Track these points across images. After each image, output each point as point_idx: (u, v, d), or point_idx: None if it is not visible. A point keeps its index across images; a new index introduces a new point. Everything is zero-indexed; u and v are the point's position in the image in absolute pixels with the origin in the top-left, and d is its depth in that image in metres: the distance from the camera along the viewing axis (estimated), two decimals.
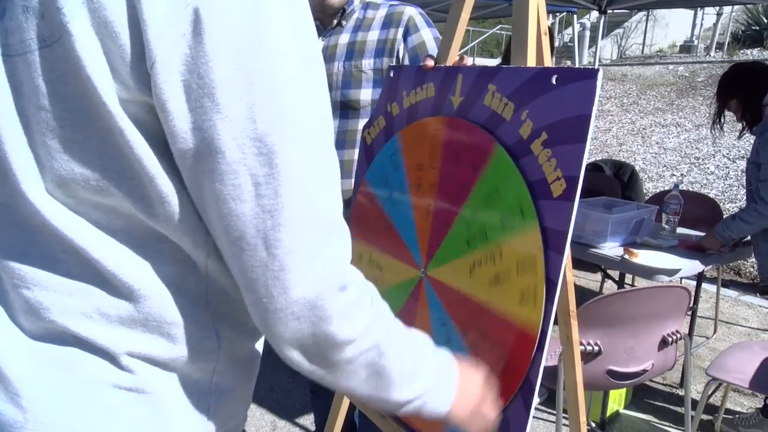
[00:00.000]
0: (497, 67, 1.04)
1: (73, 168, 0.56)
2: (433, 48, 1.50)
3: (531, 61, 1.02)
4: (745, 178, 2.69)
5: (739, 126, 2.71)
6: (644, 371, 1.95)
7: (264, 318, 0.59)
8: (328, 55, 1.56)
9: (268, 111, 0.54)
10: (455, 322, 1.07)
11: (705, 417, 2.64)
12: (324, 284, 0.59)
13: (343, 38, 1.55)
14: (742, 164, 6.36)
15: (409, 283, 1.19)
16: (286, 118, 0.55)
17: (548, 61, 1.08)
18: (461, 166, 1.08)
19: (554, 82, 0.93)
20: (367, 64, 1.53)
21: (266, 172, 0.55)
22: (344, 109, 1.55)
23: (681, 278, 2.90)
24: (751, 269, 4.55)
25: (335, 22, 1.56)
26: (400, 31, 1.52)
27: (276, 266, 0.57)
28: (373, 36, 1.53)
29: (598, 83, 0.88)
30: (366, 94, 1.54)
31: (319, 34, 1.57)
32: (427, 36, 1.52)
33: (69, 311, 0.59)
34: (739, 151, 6.65)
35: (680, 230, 2.85)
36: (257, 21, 0.53)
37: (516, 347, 0.95)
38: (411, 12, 1.54)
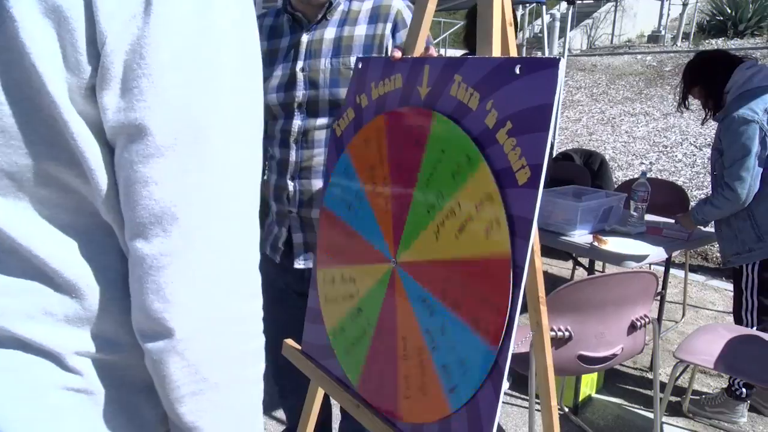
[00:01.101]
0: (463, 58, 1.05)
1: (17, 161, 0.55)
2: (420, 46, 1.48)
3: (496, 51, 1.03)
4: (710, 164, 2.76)
5: (704, 114, 2.77)
6: (614, 355, 1.99)
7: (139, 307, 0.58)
8: (314, 50, 1.51)
9: (206, 101, 0.54)
10: (434, 293, 1.07)
11: (674, 399, 2.71)
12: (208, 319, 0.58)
13: (329, 33, 1.51)
14: (709, 152, 6.49)
15: (383, 280, 1.19)
16: (222, 112, 0.55)
17: (513, 51, 1.09)
18: (407, 147, 1.12)
19: (518, 71, 0.94)
20: (354, 61, 1.51)
21: (196, 162, 0.54)
22: (333, 107, 1.52)
23: (650, 264, 2.96)
24: (718, 254, 4.66)
25: (320, 15, 1.51)
26: (389, 26, 1.49)
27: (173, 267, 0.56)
28: (360, 31, 1.50)
29: (560, 72, 0.90)
30: None
31: (303, 28, 1.53)
32: None
33: (10, 313, 0.58)
34: (706, 139, 6.79)
35: (649, 217, 2.91)
36: (205, 12, 0.54)
37: (485, 332, 0.96)
38: (399, 5, 1.50)
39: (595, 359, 1.97)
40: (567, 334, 1.90)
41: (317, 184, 1.56)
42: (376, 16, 1.50)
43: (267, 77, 1.56)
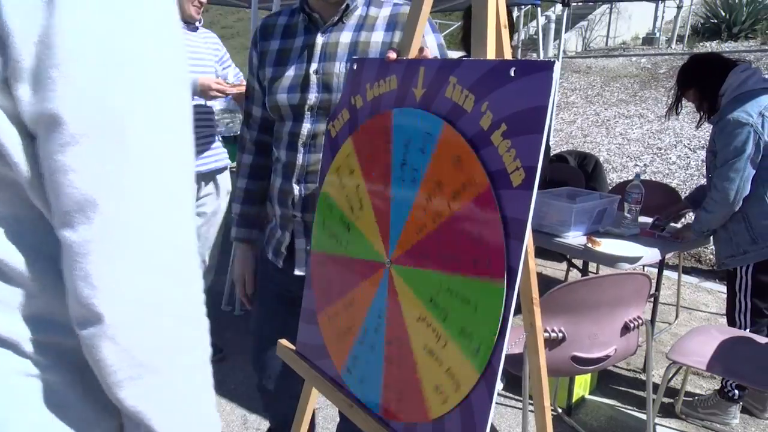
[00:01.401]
0: (458, 60, 1.06)
1: None
2: (434, 55, 1.44)
3: (491, 54, 1.03)
4: (705, 167, 2.77)
5: (698, 116, 2.79)
6: (607, 357, 2.00)
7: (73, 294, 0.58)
8: (329, 53, 1.48)
9: (122, 89, 0.55)
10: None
11: (666, 400, 2.72)
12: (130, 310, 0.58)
13: (345, 36, 1.48)
14: (703, 154, 6.52)
15: (381, 287, 1.19)
16: (141, 99, 0.56)
17: (508, 54, 1.10)
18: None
19: (512, 74, 0.95)
20: None
21: (114, 149, 0.55)
22: None
23: (644, 266, 2.97)
24: (711, 256, 4.68)
25: (336, 17, 1.48)
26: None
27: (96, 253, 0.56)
28: (377, 38, 1.46)
29: (555, 75, 0.90)
30: None
31: (318, 29, 1.50)
32: (431, 43, 1.47)
33: None
34: (700, 142, 6.82)
35: (642, 219, 2.93)
36: (115, 1, 0.55)
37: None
38: None
39: (588, 360, 1.97)
40: (561, 335, 1.91)
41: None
42: (394, 23, 1.47)
43: (278, 77, 1.53)
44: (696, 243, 2.80)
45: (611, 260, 2.42)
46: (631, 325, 2.01)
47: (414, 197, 1.09)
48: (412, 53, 1.22)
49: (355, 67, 1.30)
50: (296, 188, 1.55)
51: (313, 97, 1.50)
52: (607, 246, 2.50)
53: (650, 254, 2.51)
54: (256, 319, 1.82)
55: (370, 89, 1.25)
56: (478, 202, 0.97)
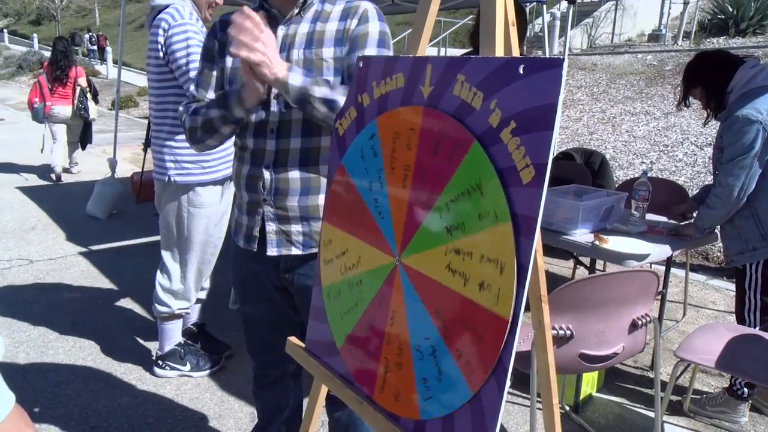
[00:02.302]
0: (466, 57, 1.06)
1: None
2: (374, 40, 1.55)
3: (499, 51, 1.03)
4: (711, 164, 2.76)
5: (705, 113, 2.78)
6: (615, 354, 1.99)
7: None
8: (288, 43, 1.58)
9: None
10: (428, 307, 1.09)
11: (674, 398, 2.72)
12: None
13: (303, 27, 1.58)
14: (709, 151, 6.50)
15: (383, 270, 1.20)
16: None
17: (516, 51, 1.09)
18: (439, 156, 1.10)
19: (521, 71, 0.95)
20: (328, 52, 1.55)
21: None
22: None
23: (651, 263, 2.96)
24: (719, 254, 4.67)
25: (295, 11, 1.58)
26: (355, 21, 1.56)
27: None
28: (331, 26, 1.57)
29: (563, 72, 0.90)
30: None
31: (279, 23, 1.59)
32: (373, 28, 1.56)
33: None
34: (706, 139, 6.79)
35: (650, 216, 2.92)
36: None
37: (488, 331, 0.97)
38: (366, 5, 1.59)
39: (596, 358, 1.97)
40: (568, 332, 1.91)
41: (293, 174, 1.58)
42: (347, 14, 1.58)
43: (240, 66, 1.53)
44: (703, 240, 2.79)
45: (619, 258, 2.42)
46: (639, 322, 2.00)
47: (448, 241, 1.06)
48: (420, 51, 1.22)
49: (361, 65, 1.30)
50: (266, 173, 1.60)
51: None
52: (615, 243, 2.50)
53: (658, 251, 2.50)
54: (246, 315, 1.87)
55: (377, 87, 1.26)
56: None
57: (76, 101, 6.74)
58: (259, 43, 1.38)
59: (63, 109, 6.78)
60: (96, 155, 8.66)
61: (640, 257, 2.39)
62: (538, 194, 0.91)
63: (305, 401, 1.60)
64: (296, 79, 1.45)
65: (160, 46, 2.46)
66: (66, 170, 7.34)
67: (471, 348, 1.00)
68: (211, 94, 1.68)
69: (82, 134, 7.08)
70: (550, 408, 1.26)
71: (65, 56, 6.74)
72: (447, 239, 1.06)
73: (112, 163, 5.47)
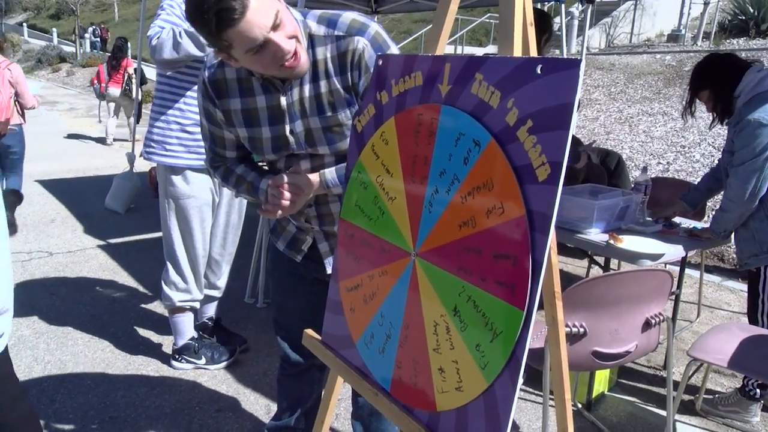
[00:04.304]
0: (484, 57, 1.08)
1: None
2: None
3: (517, 51, 1.05)
4: (721, 168, 2.75)
5: (689, 118, 2.76)
6: (628, 352, 2.01)
7: None
8: (296, 112, 1.52)
9: None
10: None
11: (687, 397, 2.72)
12: None
13: (306, 90, 1.50)
14: (714, 151, 6.45)
15: (400, 264, 1.23)
16: None
17: (533, 51, 1.11)
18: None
19: (539, 71, 0.97)
20: (343, 116, 1.52)
21: None
22: (339, 158, 1.59)
23: (665, 264, 2.96)
24: (734, 255, 4.64)
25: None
26: (356, 74, 1.49)
27: None
28: (335, 85, 1.49)
29: (581, 73, 0.92)
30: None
31: (276, 87, 1.51)
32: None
33: None
34: (724, 140, 6.73)
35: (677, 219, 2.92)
36: None
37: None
38: (360, 46, 1.47)
39: (609, 355, 1.99)
40: (581, 330, 1.92)
41: (335, 207, 1.62)
42: (344, 65, 1.48)
43: (255, 137, 1.58)
44: (717, 242, 2.78)
45: (633, 257, 2.43)
46: (652, 321, 2.01)
47: (449, 200, 1.11)
48: (439, 50, 1.24)
49: (380, 63, 1.33)
50: (308, 210, 1.63)
51: (299, 152, 1.56)
52: (629, 243, 2.50)
53: (673, 252, 2.51)
54: (278, 304, 1.90)
55: (395, 85, 1.28)
56: (513, 227, 0.98)
57: (123, 84, 8.85)
58: (283, 200, 1.49)
59: (114, 90, 8.93)
60: (115, 150, 8.78)
61: (655, 257, 2.40)
62: (553, 192, 0.93)
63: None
64: (335, 189, 1.54)
65: None
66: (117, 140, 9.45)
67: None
68: (231, 153, 1.67)
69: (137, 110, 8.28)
70: (562, 404, 1.28)
71: (120, 50, 8.92)
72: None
73: (131, 158, 5.54)
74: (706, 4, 11.08)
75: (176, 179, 2.53)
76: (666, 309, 2.10)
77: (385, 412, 1.24)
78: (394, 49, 1.52)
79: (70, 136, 10.02)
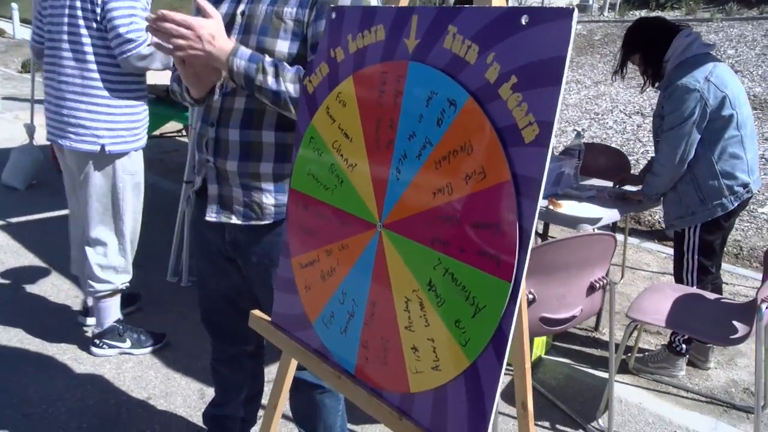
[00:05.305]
0: (458, 7, 0.99)
1: None
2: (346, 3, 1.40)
3: (496, 0, 0.96)
4: (652, 132, 2.82)
5: (634, 83, 2.82)
6: (574, 317, 2.02)
7: None
8: None
9: None
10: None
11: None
12: None
13: None
14: (638, 119, 6.73)
15: (364, 237, 1.13)
16: None
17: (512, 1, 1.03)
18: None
19: (524, 22, 0.89)
20: (289, 12, 1.42)
21: None
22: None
23: (594, 228, 3.02)
24: (649, 218, 4.85)
25: None
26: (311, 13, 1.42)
27: None
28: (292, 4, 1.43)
29: (573, 23, 0.84)
30: (282, 46, 1.43)
31: None
32: None
33: None
34: (634, 107, 7.01)
35: (596, 182, 2.96)
36: None
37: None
38: None
39: (556, 321, 1.99)
40: (530, 296, 1.90)
41: (234, 133, 1.48)
42: None
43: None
44: (648, 204, 2.87)
45: (573, 222, 2.44)
46: (597, 285, 2.03)
47: (420, 165, 1.01)
48: (403, 0, 1.13)
49: (334, 17, 1.21)
50: (210, 131, 1.51)
51: (233, 38, 1.45)
52: (568, 208, 2.52)
53: (609, 215, 2.55)
54: (199, 282, 1.79)
55: (353, 41, 1.16)
56: (498, 193, 0.90)
57: None
58: (179, 39, 1.31)
59: None
60: (8, 121, 8.05)
61: (593, 221, 2.42)
62: (542, 154, 0.86)
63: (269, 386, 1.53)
64: (240, 64, 1.36)
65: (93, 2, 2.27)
66: None
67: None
68: None
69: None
70: (522, 374, 1.23)
71: None
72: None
73: (30, 129, 5.08)
74: None
75: (136, 156, 2.54)
76: (608, 271, 2.12)
77: (351, 396, 1.15)
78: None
79: None
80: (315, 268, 1.24)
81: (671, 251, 3.03)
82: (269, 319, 1.37)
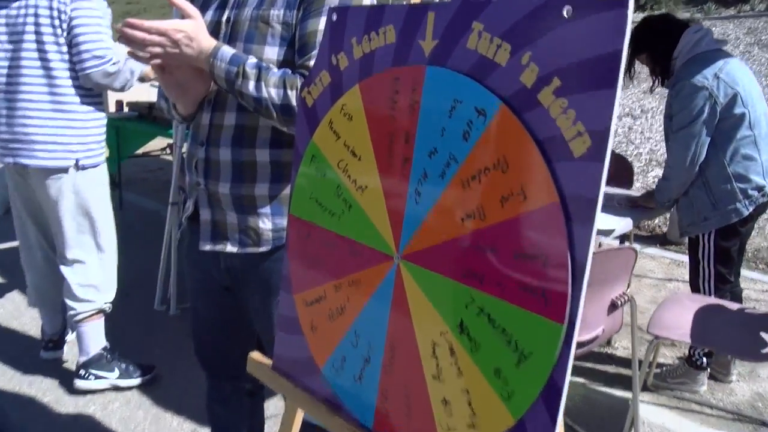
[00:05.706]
0: (483, 1, 0.84)
1: None
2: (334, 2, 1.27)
3: None
4: (637, 133, 2.70)
5: (629, 83, 2.72)
6: (596, 337, 1.88)
7: None
8: (240, 2, 1.36)
9: None
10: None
11: (626, 371, 2.67)
12: None
13: None
14: (628, 121, 6.64)
15: (379, 270, 0.98)
16: None
17: None
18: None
19: (566, 14, 0.74)
20: (276, 15, 1.29)
21: None
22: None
23: (607, 239, 2.90)
24: (649, 223, 4.74)
25: None
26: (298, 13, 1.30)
27: None
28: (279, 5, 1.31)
29: (629, 13, 0.70)
30: (270, 53, 1.30)
31: None
32: None
33: None
34: (624, 109, 6.93)
35: (609, 190, 2.84)
36: None
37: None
38: None
39: (578, 344, 1.84)
40: None
41: (225, 153, 1.34)
42: None
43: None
44: (661, 211, 2.75)
45: None
46: (618, 302, 1.89)
47: (444, 186, 0.87)
48: None
49: (335, 18, 1.06)
50: (200, 151, 1.37)
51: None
52: None
53: (623, 225, 2.42)
54: (193, 312, 1.63)
55: (358, 45, 1.02)
56: (543, 216, 0.76)
57: None
58: (153, 47, 1.19)
59: None
60: None
61: (607, 232, 2.29)
62: (597, 169, 0.72)
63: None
64: (220, 67, 1.23)
65: (54, 12, 2.17)
66: None
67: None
68: None
69: None
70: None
71: None
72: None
73: None
74: None
75: (104, 167, 2.48)
76: (628, 286, 1.99)
77: None
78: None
79: None
80: (322, 306, 1.08)
81: (674, 256, 2.91)
82: (270, 362, 1.21)
